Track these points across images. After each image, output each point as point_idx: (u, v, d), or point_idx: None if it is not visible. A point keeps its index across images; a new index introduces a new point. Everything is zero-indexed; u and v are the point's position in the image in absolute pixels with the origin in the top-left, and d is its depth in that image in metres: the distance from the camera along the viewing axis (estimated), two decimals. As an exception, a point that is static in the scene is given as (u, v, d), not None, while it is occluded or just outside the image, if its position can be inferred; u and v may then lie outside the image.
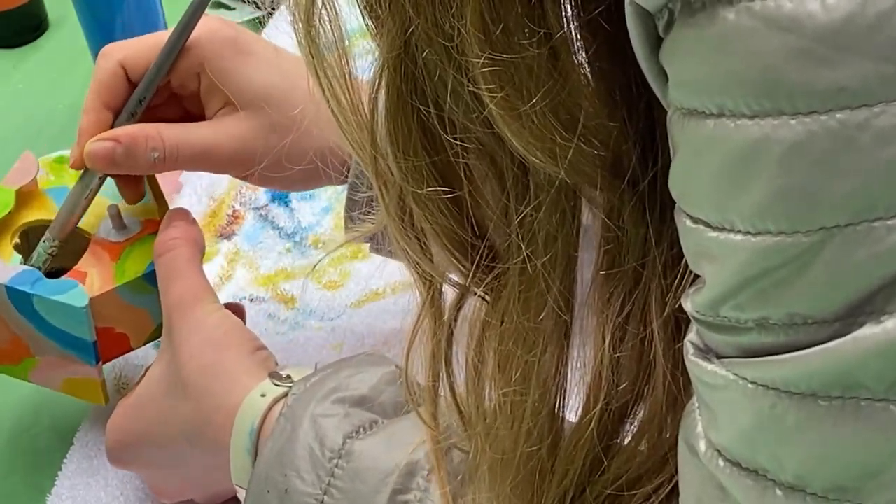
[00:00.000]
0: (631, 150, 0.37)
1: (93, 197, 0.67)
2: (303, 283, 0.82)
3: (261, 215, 0.89)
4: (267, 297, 0.83)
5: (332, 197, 0.90)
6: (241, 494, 0.58)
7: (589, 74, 0.35)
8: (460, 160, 0.38)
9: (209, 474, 0.63)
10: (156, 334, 0.69)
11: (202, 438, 0.61)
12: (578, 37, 0.34)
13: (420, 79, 0.36)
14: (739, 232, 0.30)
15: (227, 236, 0.87)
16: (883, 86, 0.26)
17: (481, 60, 0.34)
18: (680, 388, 0.40)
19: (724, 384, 0.32)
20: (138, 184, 0.69)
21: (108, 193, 0.70)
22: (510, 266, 0.40)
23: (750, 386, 0.31)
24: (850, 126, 0.27)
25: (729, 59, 0.28)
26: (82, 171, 0.67)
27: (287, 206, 0.90)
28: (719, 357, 0.33)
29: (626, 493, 0.43)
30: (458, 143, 0.37)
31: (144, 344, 0.70)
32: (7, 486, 0.72)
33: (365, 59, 0.39)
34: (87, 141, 0.65)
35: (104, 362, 0.68)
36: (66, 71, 1.03)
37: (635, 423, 0.43)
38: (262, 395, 0.58)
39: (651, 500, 0.43)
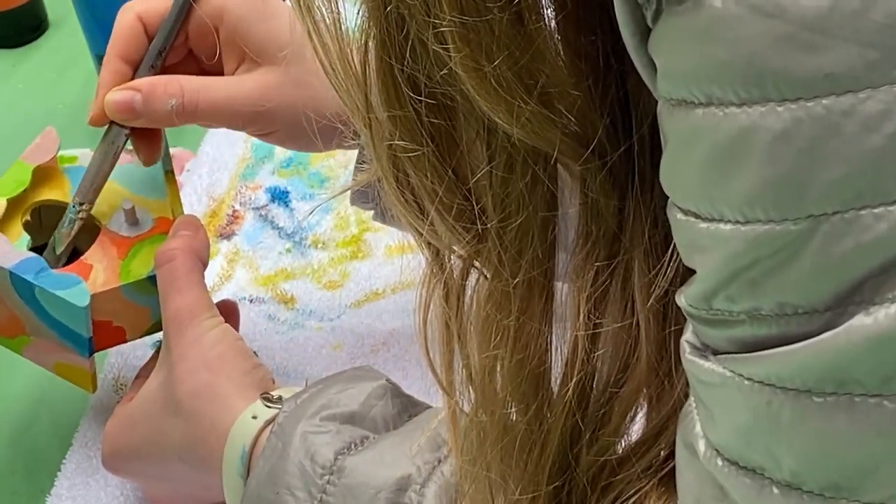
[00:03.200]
0: (597, 120, 0.37)
1: (118, 155, 0.66)
2: (302, 281, 0.82)
3: (261, 215, 0.89)
4: (267, 297, 0.83)
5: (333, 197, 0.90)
6: None
7: (557, 40, 0.35)
8: (433, 118, 0.38)
9: (202, 490, 0.63)
10: (153, 329, 0.69)
11: (194, 458, 0.61)
12: (546, 4, 0.34)
13: (394, 33, 0.36)
14: (729, 222, 0.30)
15: (226, 236, 0.87)
16: (868, 71, 0.26)
17: (446, 19, 0.34)
18: (671, 365, 0.40)
19: (720, 382, 0.32)
20: (155, 143, 0.69)
21: (123, 182, 0.69)
22: (489, 228, 0.40)
23: (746, 383, 0.31)
24: (835, 112, 0.27)
25: (716, 46, 0.28)
26: (106, 128, 0.66)
27: (287, 206, 0.90)
28: (715, 354, 0.33)
29: (616, 465, 0.44)
30: (429, 100, 0.37)
31: (140, 337, 0.70)
32: (7, 486, 0.72)
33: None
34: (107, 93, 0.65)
35: (97, 351, 0.68)
36: (66, 71, 1.03)
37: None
38: (254, 418, 0.58)
39: (649, 471, 0.43)
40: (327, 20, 0.39)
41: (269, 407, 0.58)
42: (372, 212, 0.74)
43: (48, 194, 0.70)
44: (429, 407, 0.60)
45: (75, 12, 0.92)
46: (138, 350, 0.76)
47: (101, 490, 0.70)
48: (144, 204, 0.70)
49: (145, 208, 0.70)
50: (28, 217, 0.69)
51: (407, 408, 0.59)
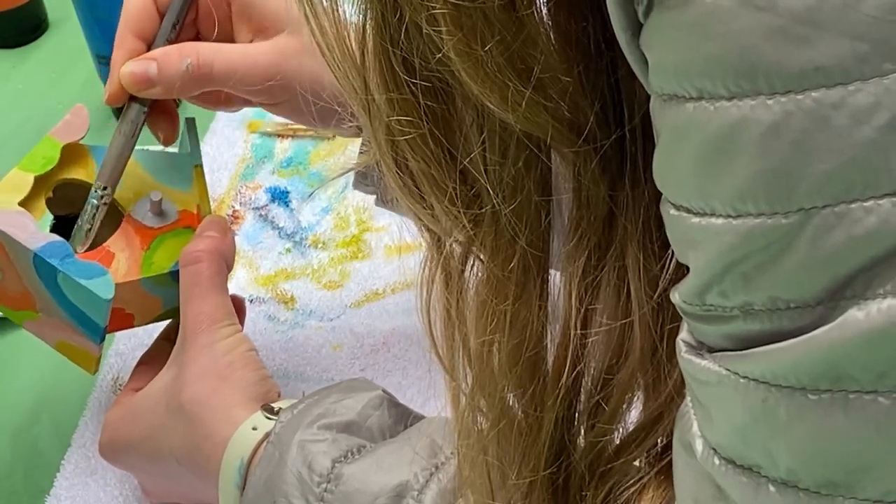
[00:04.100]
0: (588, 107, 0.37)
1: (138, 136, 0.66)
2: (302, 281, 0.82)
3: (261, 215, 0.89)
4: (267, 297, 0.83)
5: (332, 197, 0.90)
6: None
7: (548, 27, 0.35)
8: (429, 101, 0.38)
9: (196, 491, 0.63)
10: (161, 318, 0.69)
11: (191, 463, 0.61)
12: None
13: (390, 16, 0.36)
14: (721, 216, 0.30)
15: (226, 236, 0.87)
16: (858, 64, 0.26)
17: (440, 3, 0.34)
18: (667, 354, 0.40)
19: (716, 380, 0.32)
20: (173, 120, 0.69)
21: (151, 170, 0.70)
22: (484, 213, 0.40)
23: (742, 381, 0.31)
24: (825, 105, 0.27)
25: (707, 40, 0.28)
26: (124, 107, 0.66)
27: (287, 206, 0.90)
28: (711, 351, 0.33)
29: (613, 452, 0.44)
30: (425, 83, 0.37)
31: (147, 324, 0.70)
32: (7, 486, 0.72)
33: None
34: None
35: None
36: (66, 71, 1.03)
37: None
38: (254, 429, 0.58)
39: (647, 460, 0.44)
40: (325, 3, 0.39)
41: (269, 419, 0.58)
42: (372, 209, 0.74)
43: (74, 173, 0.69)
44: (424, 417, 0.60)
45: (75, 12, 0.93)
46: (137, 351, 0.75)
47: (100, 490, 0.70)
48: (170, 194, 0.70)
49: (170, 199, 0.70)
50: (51, 194, 0.68)
51: (403, 418, 0.59)
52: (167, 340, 0.67)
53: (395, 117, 0.38)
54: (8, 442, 0.74)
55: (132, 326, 0.69)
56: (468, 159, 0.39)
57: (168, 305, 0.68)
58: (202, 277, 0.65)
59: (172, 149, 0.72)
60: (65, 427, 0.74)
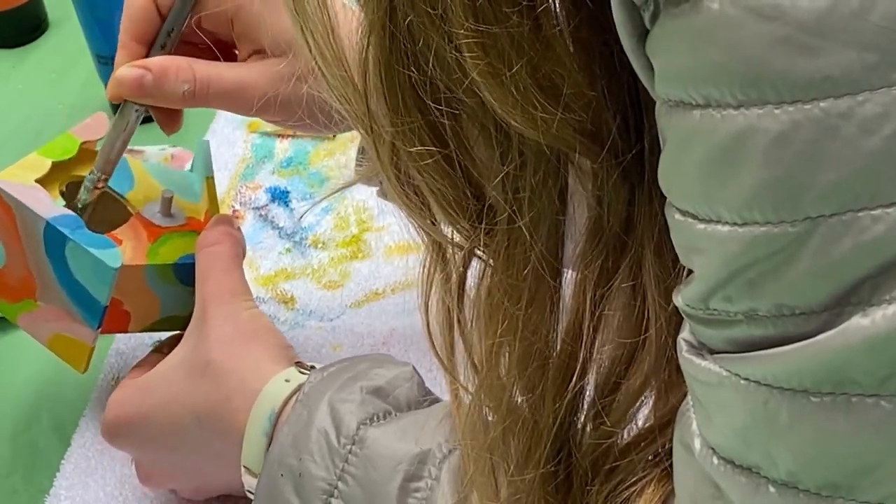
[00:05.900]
0: (611, 120, 0.37)
1: (132, 130, 0.67)
2: (302, 281, 0.82)
3: (260, 215, 0.89)
4: (267, 297, 0.83)
5: (332, 197, 0.89)
6: (247, 478, 0.58)
7: (570, 44, 0.35)
8: (447, 121, 0.38)
9: (206, 461, 0.63)
10: (155, 326, 0.69)
11: (215, 419, 0.60)
12: (561, 10, 0.35)
13: (404, 42, 0.37)
14: (727, 223, 0.30)
15: (226, 236, 0.87)
16: (866, 74, 0.26)
17: (464, 29, 0.34)
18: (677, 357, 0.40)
19: (717, 381, 0.32)
20: (175, 115, 0.69)
21: (162, 180, 0.71)
22: (498, 223, 0.40)
23: (742, 382, 0.31)
24: (833, 115, 0.27)
25: (714, 48, 0.28)
26: (121, 104, 0.66)
27: (287, 206, 0.90)
28: (712, 353, 0.33)
29: (619, 452, 0.44)
30: (443, 105, 0.38)
31: (139, 331, 0.70)
32: (7, 486, 0.72)
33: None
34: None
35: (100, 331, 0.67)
36: (66, 71, 1.03)
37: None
38: (287, 381, 0.59)
39: (653, 461, 0.44)
40: (323, 31, 0.39)
41: (302, 373, 0.59)
42: (372, 209, 0.74)
43: (85, 171, 0.69)
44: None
45: (75, 12, 0.93)
46: (138, 350, 0.76)
47: (99, 490, 0.70)
48: (178, 203, 0.71)
49: (179, 206, 0.71)
50: (63, 188, 0.69)
51: (428, 396, 0.59)
52: (160, 353, 0.67)
53: (402, 141, 0.38)
54: (8, 442, 0.74)
55: (126, 330, 0.69)
56: (483, 175, 0.39)
57: (165, 310, 0.68)
58: (223, 256, 0.66)
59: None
60: (65, 427, 0.74)
